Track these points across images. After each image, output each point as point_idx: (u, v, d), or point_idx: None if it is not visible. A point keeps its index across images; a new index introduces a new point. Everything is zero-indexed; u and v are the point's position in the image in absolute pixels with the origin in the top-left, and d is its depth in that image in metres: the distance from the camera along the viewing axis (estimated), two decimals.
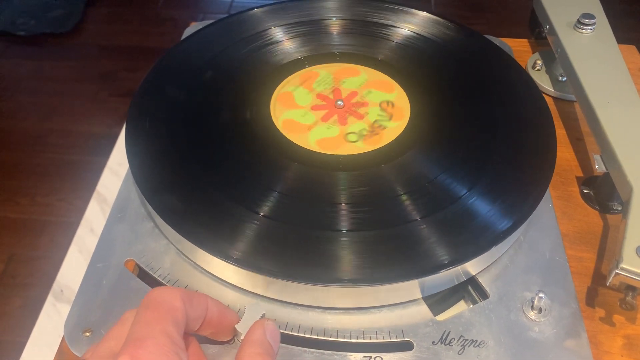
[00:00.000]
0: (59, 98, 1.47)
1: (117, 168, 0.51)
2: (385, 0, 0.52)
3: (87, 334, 0.33)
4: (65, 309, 0.41)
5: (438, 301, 0.37)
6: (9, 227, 1.17)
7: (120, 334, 0.26)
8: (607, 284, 0.33)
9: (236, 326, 0.30)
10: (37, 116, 1.42)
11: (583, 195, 0.42)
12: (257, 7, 0.51)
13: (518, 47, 0.55)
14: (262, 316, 0.31)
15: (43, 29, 1.64)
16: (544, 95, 0.50)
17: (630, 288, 0.32)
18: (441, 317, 0.35)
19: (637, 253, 0.32)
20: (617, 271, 0.32)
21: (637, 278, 0.31)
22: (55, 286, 0.43)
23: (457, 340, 0.33)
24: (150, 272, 0.35)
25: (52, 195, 1.23)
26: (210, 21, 0.52)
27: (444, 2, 1.80)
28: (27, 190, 1.25)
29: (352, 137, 0.41)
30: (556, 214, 0.40)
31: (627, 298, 0.32)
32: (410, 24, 0.50)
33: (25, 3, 1.72)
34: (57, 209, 1.21)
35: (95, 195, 0.50)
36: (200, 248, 0.34)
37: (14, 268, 1.10)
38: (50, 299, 0.42)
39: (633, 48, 0.55)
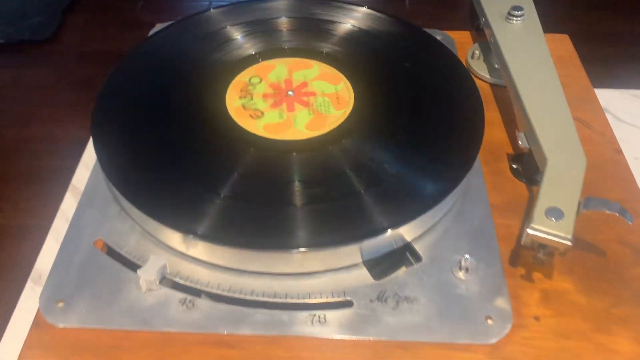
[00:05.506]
0: (39, 105, 1.48)
1: (91, 163, 0.55)
2: None
3: (60, 304, 0.37)
4: None
5: (383, 270, 0.41)
6: None
7: None
8: (521, 243, 0.37)
9: (138, 271, 0.36)
10: (18, 123, 1.43)
11: (512, 170, 0.46)
12: (214, 8, 0.55)
13: (461, 39, 0.59)
14: (163, 266, 0.36)
15: (21, 36, 1.65)
16: (480, 80, 0.54)
17: (541, 246, 0.37)
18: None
19: (545, 215, 0.36)
20: (528, 230, 0.36)
21: (546, 236, 0.36)
22: (34, 273, 0.46)
23: (392, 298, 0.37)
24: (117, 249, 0.39)
25: (35, 200, 1.25)
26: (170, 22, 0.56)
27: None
28: (9, 197, 1.26)
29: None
30: (487, 186, 0.44)
31: (538, 255, 0.37)
32: (354, 20, 0.54)
33: (2, 10, 1.73)
34: (41, 215, 1.22)
35: (70, 188, 0.53)
36: (162, 223, 0.38)
37: None
38: (29, 284, 0.45)
39: (566, 37, 0.59)
